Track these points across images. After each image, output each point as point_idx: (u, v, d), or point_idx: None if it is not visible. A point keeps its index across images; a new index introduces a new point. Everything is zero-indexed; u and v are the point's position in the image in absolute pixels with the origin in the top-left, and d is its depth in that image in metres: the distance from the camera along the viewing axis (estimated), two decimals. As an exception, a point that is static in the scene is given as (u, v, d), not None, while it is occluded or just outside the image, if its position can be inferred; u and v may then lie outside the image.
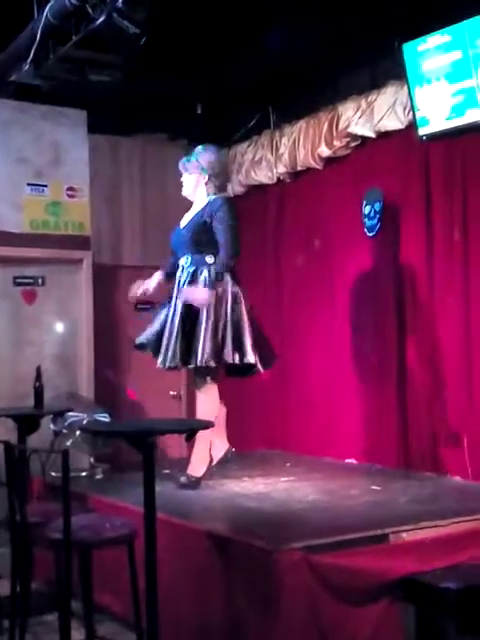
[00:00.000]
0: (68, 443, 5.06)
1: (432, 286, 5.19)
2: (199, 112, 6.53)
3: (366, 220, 5.62)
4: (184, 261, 4.86)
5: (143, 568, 3.21)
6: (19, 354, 6.15)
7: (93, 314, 6.37)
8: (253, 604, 3.41)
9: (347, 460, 5.66)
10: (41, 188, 6.25)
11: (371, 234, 5.60)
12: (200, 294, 4.68)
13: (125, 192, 6.80)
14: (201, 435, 4.68)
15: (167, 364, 4.71)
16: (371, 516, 4.01)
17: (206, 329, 4.63)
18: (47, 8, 4.60)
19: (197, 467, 4.84)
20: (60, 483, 3.28)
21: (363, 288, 5.65)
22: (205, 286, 4.71)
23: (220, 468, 4.99)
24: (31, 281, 6.34)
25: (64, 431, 5.11)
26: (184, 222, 4.96)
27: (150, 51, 4.78)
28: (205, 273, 4.75)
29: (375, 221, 5.54)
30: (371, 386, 5.59)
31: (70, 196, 6.35)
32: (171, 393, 6.81)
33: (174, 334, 4.70)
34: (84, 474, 5.23)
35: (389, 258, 5.49)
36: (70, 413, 5.07)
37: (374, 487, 4.69)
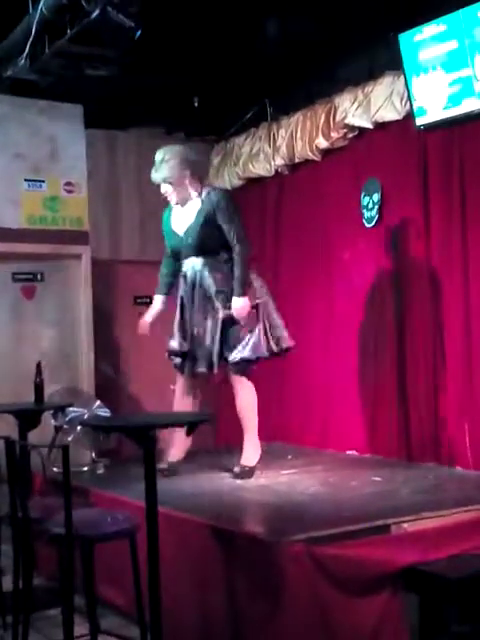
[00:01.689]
0: (69, 438, 5.06)
1: (431, 276, 5.19)
2: (196, 105, 6.51)
3: (364, 211, 5.61)
4: (191, 263, 4.84)
5: (145, 562, 3.22)
6: (19, 350, 6.15)
7: (92, 309, 6.37)
8: (256, 596, 3.42)
9: (348, 452, 5.66)
10: (38, 183, 6.24)
11: (370, 225, 5.59)
12: (244, 310, 4.71)
13: (122, 186, 6.79)
14: (249, 425, 4.84)
15: (213, 368, 4.77)
16: (373, 507, 4.02)
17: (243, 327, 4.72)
18: (42, 3, 4.59)
19: (251, 456, 4.88)
20: (61, 478, 3.28)
21: (362, 279, 5.65)
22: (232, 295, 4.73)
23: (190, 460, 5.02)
24: (30, 277, 6.34)
25: (65, 426, 5.11)
26: (181, 226, 4.87)
27: (146, 45, 4.76)
28: (224, 269, 4.77)
29: (373, 212, 5.53)
30: (371, 377, 5.59)
31: (68, 191, 6.34)
32: (171, 387, 6.80)
33: (210, 337, 4.74)
34: (85, 469, 5.23)
35: (388, 249, 5.48)
36: (71, 408, 5.07)
37: (375, 478, 4.69)
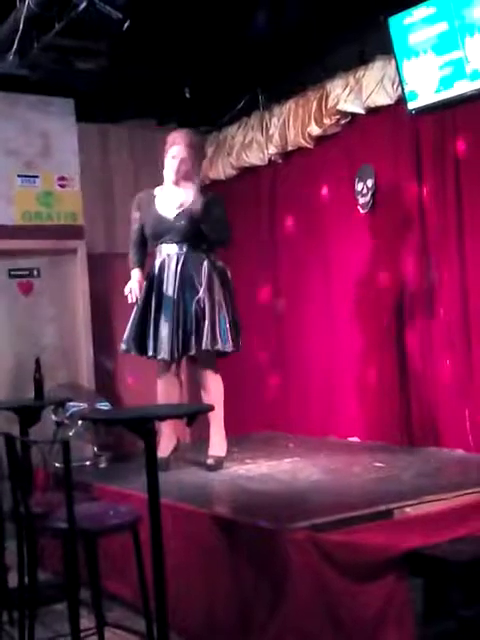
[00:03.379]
0: (70, 433, 5.07)
1: (428, 260, 5.18)
2: (187, 96, 6.49)
3: (359, 197, 5.59)
4: (172, 249, 4.82)
5: (150, 554, 3.23)
6: (18, 346, 6.14)
7: (90, 303, 6.36)
8: (260, 585, 3.42)
9: (350, 438, 5.67)
10: (32, 179, 6.24)
11: (364, 211, 5.57)
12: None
13: (116, 179, 6.78)
14: (214, 416, 4.81)
15: (177, 354, 4.72)
16: (375, 492, 4.02)
17: (220, 312, 4.74)
18: (29, -3, 4.57)
19: (221, 447, 4.90)
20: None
21: (358, 265, 5.64)
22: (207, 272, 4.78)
23: (177, 457, 5.02)
24: (26, 273, 6.33)
25: (66, 421, 5.11)
26: (170, 210, 4.85)
27: (135, 37, 4.75)
28: (205, 261, 4.80)
29: (368, 197, 5.51)
30: (370, 363, 5.59)
31: (61, 186, 6.33)
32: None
33: (182, 322, 4.71)
34: (88, 463, 5.23)
35: (384, 234, 5.47)
36: (71, 403, 5.08)
37: (377, 464, 4.70)
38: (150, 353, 4.79)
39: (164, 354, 4.72)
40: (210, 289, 4.77)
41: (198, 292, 4.74)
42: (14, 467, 3.56)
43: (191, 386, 5.62)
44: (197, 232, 4.79)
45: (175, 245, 4.82)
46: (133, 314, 4.89)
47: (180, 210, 4.83)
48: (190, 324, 4.72)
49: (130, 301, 4.91)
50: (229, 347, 4.78)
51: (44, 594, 3.99)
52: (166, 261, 4.83)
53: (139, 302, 4.87)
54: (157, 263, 4.87)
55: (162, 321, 4.74)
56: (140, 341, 4.82)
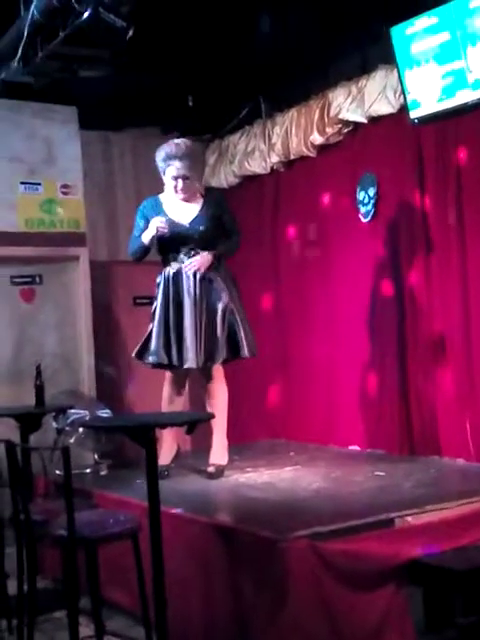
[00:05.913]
0: (71, 440, 5.07)
1: (429, 269, 5.18)
2: (190, 105, 6.51)
3: (361, 206, 5.60)
4: (188, 258, 4.81)
5: (150, 562, 3.23)
6: (19, 353, 6.13)
7: (92, 310, 6.36)
8: (261, 594, 3.42)
9: (351, 447, 5.66)
10: (35, 186, 6.23)
11: (366, 220, 5.58)
12: (203, 263, 4.76)
13: (119, 187, 6.78)
14: (217, 424, 4.81)
15: (203, 362, 4.71)
16: (376, 501, 4.02)
17: (242, 319, 4.80)
18: (33, 5, 4.59)
19: (222, 455, 4.90)
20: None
21: (360, 274, 5.64)
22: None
23: (178, 465, 5.02)
24: (29, 280, 6.32)
25: (67, 428, 5.11)
26: (183, 217, 4.84)
27: (139, 45, 4.76)
28: (220, 268, 4.85)
29: (370, 207, 5.52)
30: (372, 371, 5.59)
31: (64, 193, 6.33)
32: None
33: (206, 329, 4.71)
34: (88, 471, 5.23)
35: (385, 243, 5.47)
36: (72, 410, 5.07)
37: (378, 473, 4.69)
38: (174, 362, 4.77)
39: (190, 363, 4.71)
40: (232, 296, 4.82)
41: (219, 299, 4.77)
42: (14, 474, 3.56)
43: (192, 394, 5.62)
44: (213, 237, 4.83)
45: (192, 252, 4.81)
46: (154, 326, 4.82)
47: (194, 217, 4.85)
48: (218, 331, 4.73)
49: (163, 231, 4.77)
50: (255, 352, 4.88)
51: (43, 602, 3.98)
52: (176, 267, 4.82)
53: (156, 313, 4.84)
54: (171, 272, 4.83)
55: (185, 330, 4.73)
56: (167, 351, 4.78)
